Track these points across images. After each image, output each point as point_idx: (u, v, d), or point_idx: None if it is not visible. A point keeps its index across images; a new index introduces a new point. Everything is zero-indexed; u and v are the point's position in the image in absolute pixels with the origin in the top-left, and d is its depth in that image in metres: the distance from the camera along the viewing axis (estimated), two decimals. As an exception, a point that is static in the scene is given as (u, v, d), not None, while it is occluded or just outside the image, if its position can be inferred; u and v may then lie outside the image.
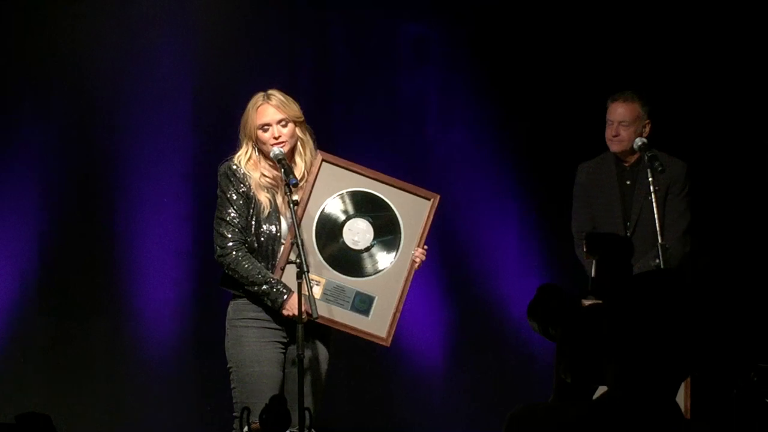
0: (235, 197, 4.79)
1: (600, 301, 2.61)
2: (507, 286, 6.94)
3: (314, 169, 4.89)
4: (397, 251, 4.96)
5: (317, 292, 4.80)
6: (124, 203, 6.66)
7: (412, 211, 4.99)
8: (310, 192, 4.85)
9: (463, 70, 7.00)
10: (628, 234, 5.48)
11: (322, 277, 4.85)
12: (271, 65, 6.82)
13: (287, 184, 4.69)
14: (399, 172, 6.91)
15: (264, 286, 4.72)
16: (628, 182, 5.77)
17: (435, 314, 6.87)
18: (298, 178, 4.79)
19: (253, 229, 4.79)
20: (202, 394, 6.70)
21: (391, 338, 4.93)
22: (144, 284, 6.66)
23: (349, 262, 4.89)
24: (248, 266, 4.74)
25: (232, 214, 4.78)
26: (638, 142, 5.73)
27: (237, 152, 4.89)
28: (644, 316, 2.29)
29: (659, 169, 5.55)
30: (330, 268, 4.85)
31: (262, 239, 4.79)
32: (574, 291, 2.64)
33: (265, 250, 4.80)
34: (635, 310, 2.30)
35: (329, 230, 4.88)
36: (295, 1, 6.95)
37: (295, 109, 4.90)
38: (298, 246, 4.64)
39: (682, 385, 5.00)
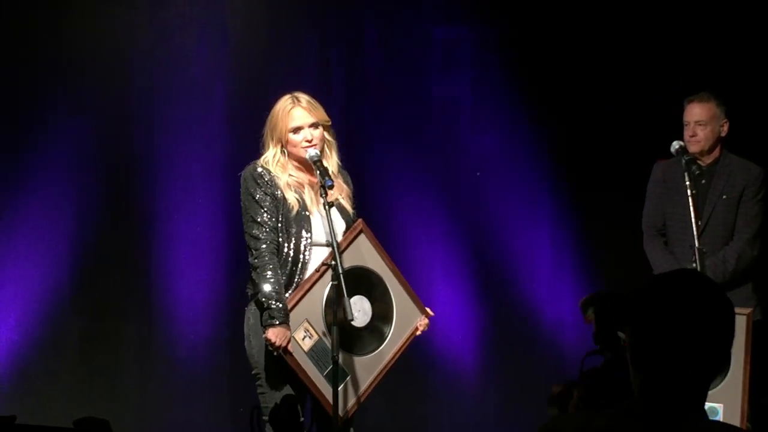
0: (263, 199, 4.77)
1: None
2: (539, 289, 6.92)
3: (352, 234, 4.88)
4: (380, 345, 4.94)
5: (307, 344, 4.77)
6: (156, 204, 6.68)
7: (406, 316, 4.99)
8: (344, 250, 4.81)
9: (496, 73, 6.98)
10: (698, 233, 5.49)
11: (317, 333, 4.80)
12: (304, 66, 6.82)
13: (323, 186, 4.68)
14: (432, 176, 6.94)
15: (271, 302, 4.68)
16: (703, 181, 5.77)
17: (467, 317, 6.86)
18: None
19: (283, 230, 4.79)
20: (233, 395, 6.71)
21: (343, 422, 4.82)
22: (175, 285, 6.68)
23: (343, 332, 4.77)
24: (271, 277, 4.70)
25: (264, 216, 4.76)
26: (675, 145, 5.73)
27: (262, 155, 4.89)
28: (667, 319, 2.27)
29: (696, 172, 5.59)
30: (326, 330, 4.78)
31: (292, 240, 4.79)
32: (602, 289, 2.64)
33: (295, 251, 4.79)
34: (657, 311, 2.28)
35: (339, 295, 4.68)
36: (328, 3, 6.95)
37: (323, 113, 4.91)
38: (333, 249, 4.63)
39: (740, 392, 5.01)
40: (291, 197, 4.78)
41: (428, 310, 5.06)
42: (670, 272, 2.37)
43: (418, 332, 5.03)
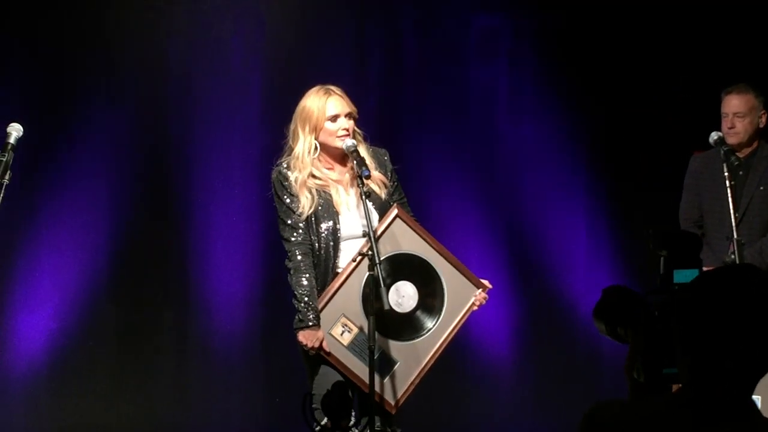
0: (292, 201, 4.79)
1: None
2: (575, 280, 6.91)
3: (386, 220, 4.85)
4: (432, 327, 4.90)
5: (347, 338, 4.78)
6: (193, 195, 6.70)
7: (459, 293, 4.93)
8: (379, 237, 4.76)
9: (534, 62, 6.96)
10: (736, 224, 5.46)
11: (356, 326, 4.80)
12: (341, 57, 6.82)
13: (359, 176, 4.67)
14: (469, 165, 6.93)
15: (301, 305, 4.70)
16: (740, 173, 5.74)
17: (503, 308, 6.84)
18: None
19: (312, 228, 4.80)
20: (269, 384, 6.73)
21: (397, 408, 4.84)
22: (212, 275, 6.70)
23: (385, 320, 4.73)
24: (303, 280, 4.73)
25: (294, 218, 4.78)
26: (714, 136, 5.70)
27: (288, 149, 4.88)
28: (719, 311, 2.25)
29: (735, 163, 5.56)
30: (366, 320, 4.73)
31: (322, 237, 4.79)
32: (640, 290, 2.60)
33: (326, 248, 4.79)
34: (709, 304, 2.26)
35: (376, 285, 4.61)
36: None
37: (353, 105, 4.91)
38: (370, 238, 4.61)
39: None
40: (304, 199, 4.77)
41: (485, 282, 4.99)
42: (723, 266, 2.36)
43: (476, 307, 4.96)
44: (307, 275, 4.73)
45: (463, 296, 4.95)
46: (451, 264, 4.94)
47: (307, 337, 4.69)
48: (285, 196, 4.80)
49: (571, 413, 2.46)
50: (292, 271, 4.75)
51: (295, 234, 4.77)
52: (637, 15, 6.83)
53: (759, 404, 4.99)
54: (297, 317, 4.72)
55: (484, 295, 4.97)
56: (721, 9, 6.70)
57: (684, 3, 6.76)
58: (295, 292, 4.72)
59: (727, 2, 6.69)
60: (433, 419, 6.77)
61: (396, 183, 5.01)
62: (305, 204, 4.77)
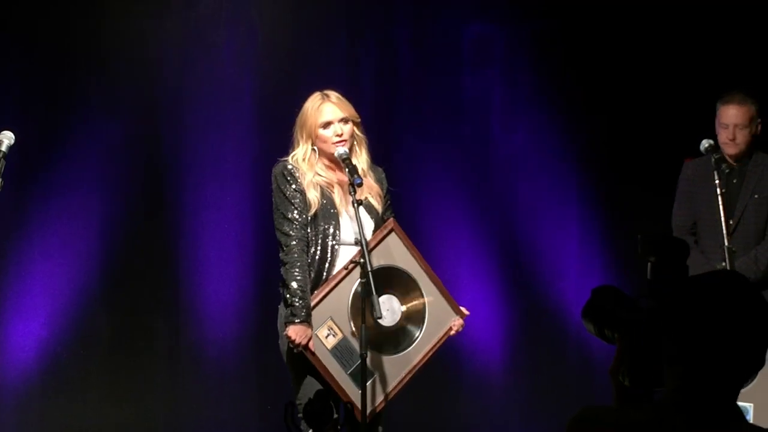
0: (293, 195, 4.79)
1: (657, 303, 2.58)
2: (567, 288, 6.91)
3: (382, 233, 4.87)
4: (410, 345, 4.92)
5: (331, 342, 4.78)
6: (186, 202, 6.69)
7: (439, 316, 4.97)
8: (373, 248, 4.79)
9: (527, 71, 6.96)
10: (729, 232, 5.46)
11: (341, 332, 4.80)
12: (333, 64, 6.83)
13: (351, 184, 4.67)
14: (462, 172, 6.93)
15: (295, 299, 4.68)
16: (734, 181, 5.74)
17: (495, 315, 6.85)
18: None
19: (311, 228, 4.80)
20: (262, 392, 6.72)
21: (369, 418, 4.84)
22: (205, 283, 6.69)
23: (368, 331, 4.72)
24: (298, 275, 4.71)
25: (295, 213, 4.77)
26: (705, 144, 5.70)
27: (291, 153, 4.90)
28: (706, 318, 2.26)
29: (726, 171, 5.57)
30: (351, 328, 4.78)
31: (320, 238, 4.79)
32: (630, 292, 2.60)
33: (323, 250, 4.79)
34: (695, 311, 2.27)
35: (367, 293, 4.63)
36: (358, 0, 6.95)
37: (352, 109, 4.92)
38: (362, 247, 4.62)
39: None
40: (313, 196, 4.78)
41: (463, 309, 5.04)
42: (709, 272, 2.36)
43: (453, 332, 5.01)
44: (303, 270, 4.72)
45: (442, 320, 4.99)
46: (436, 287, 4.98)
47: (296, 332, 4.67)
48: (287, 191, 4.79)
49: (563, 420, 2.44)
50: (287, 265, 4.73)
51: (294, 229, 4.76)
52: (631, 23, 6.83)
53: (751, 412, 5.00)
54: (289, 311, 4.70)
55: (461, 322, 5.02)
56: (712, 17, 6.71)
57: (679, 10, 6.77)
58: (289, 286, 4.70)
59: (718, 10, 6.70)
60: (425, 426, 6.77)
61: (389, 203, 5.02)
62: (312, 199, 4.77)
